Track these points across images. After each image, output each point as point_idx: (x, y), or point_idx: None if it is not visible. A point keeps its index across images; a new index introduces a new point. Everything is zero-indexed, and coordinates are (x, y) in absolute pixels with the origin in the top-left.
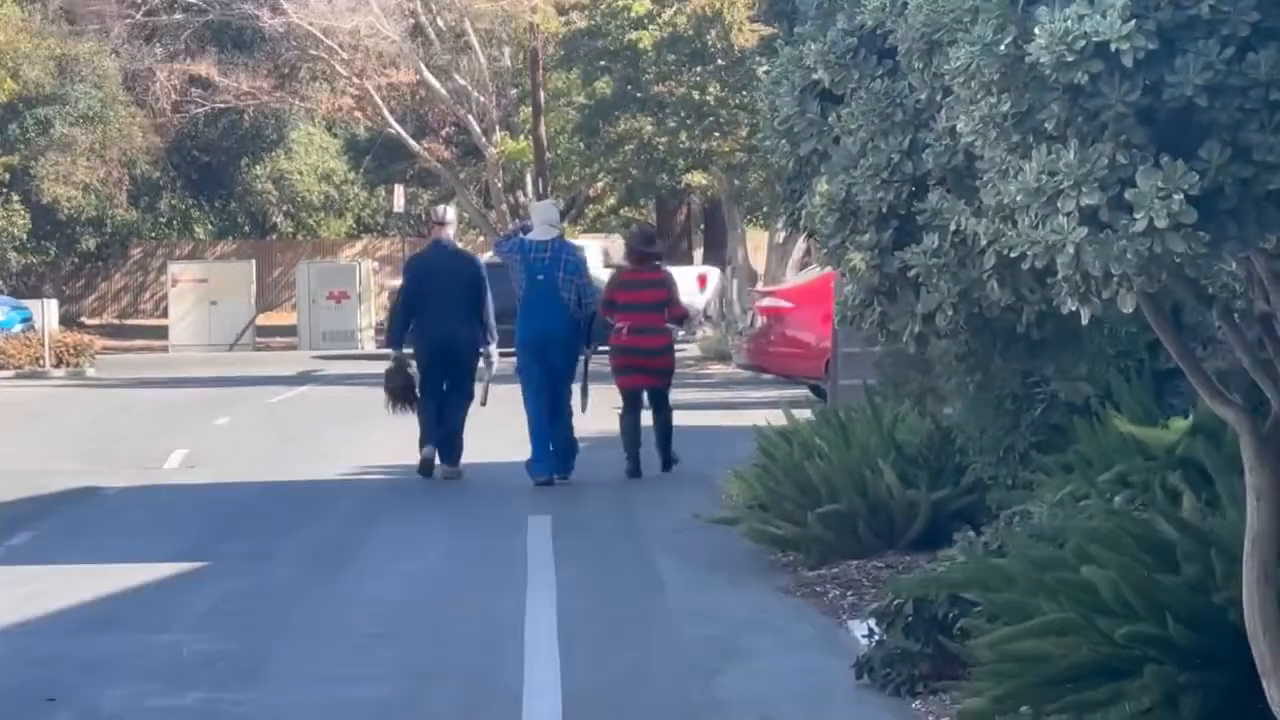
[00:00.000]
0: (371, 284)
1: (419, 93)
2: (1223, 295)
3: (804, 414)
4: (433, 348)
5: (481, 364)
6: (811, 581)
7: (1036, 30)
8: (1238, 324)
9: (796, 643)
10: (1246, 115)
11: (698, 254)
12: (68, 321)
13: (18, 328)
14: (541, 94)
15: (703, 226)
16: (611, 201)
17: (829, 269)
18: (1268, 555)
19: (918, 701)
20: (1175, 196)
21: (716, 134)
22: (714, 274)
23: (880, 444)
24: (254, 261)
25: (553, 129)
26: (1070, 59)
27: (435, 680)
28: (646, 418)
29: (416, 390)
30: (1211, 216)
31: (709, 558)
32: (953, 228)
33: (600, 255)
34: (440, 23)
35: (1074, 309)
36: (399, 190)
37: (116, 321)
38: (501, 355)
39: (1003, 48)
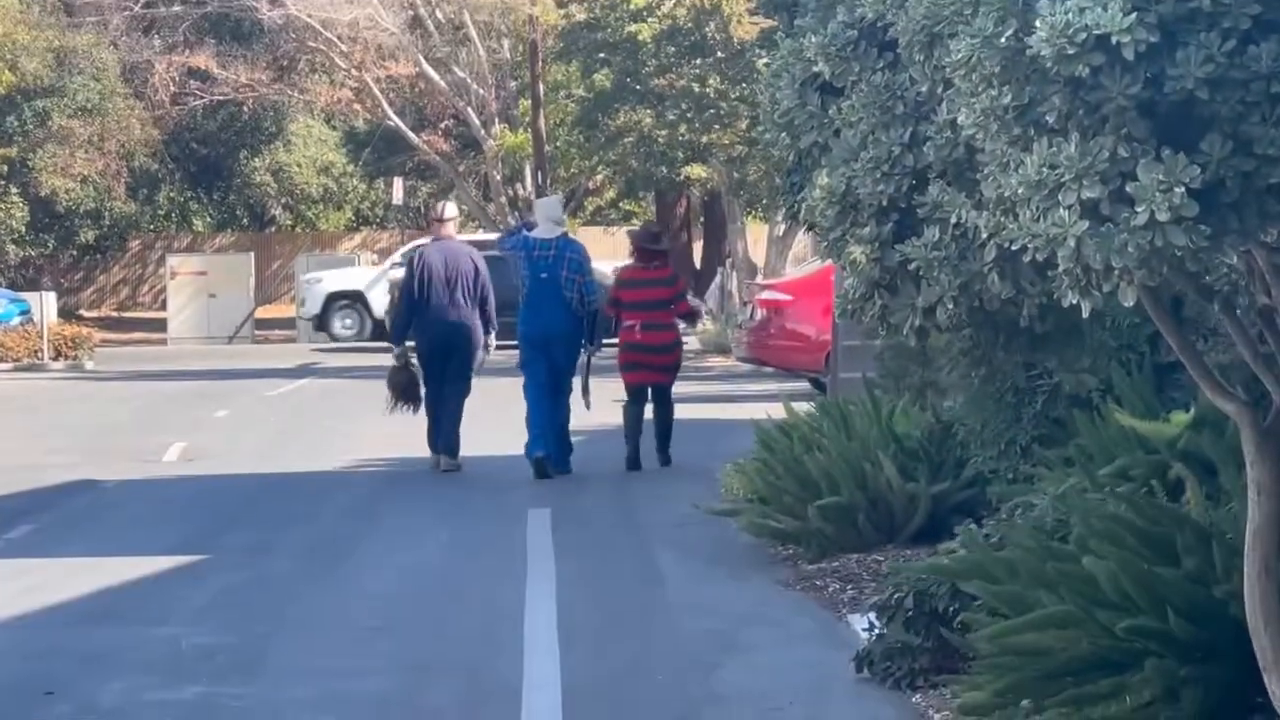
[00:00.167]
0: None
1: (418, 85)
2: (1224, 289)
3: (803, 407)
4: (435, 342)
5: (480, 354)
6: (811, 575)
7: (1037, 23)
8: (1239, 317)
9: (796, 636)
10: (1248, 108)
11: (697, 247)
12: (66, 314)
13: (16, 320)
14: (541, 86)
15: (702, 219)
16: (611, 194)
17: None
18: (1268, 549)
19: (918, 695)
20: (1176, 190)
21: (716, 127)
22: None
23: (880, 437)
24: (253, 254)
25: (552, 121)
26: (1071, 52)
27: (434, 673)
28: (648, 410)
29: (420, 388)
30: (1213, 210)
31: (709, 551)
32: (953, 221)
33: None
34: (439, 15)
35: (1075, 302)
36: (398, 183)
37: (115, 314)
38: (499, 348)
39: (1004, 40)
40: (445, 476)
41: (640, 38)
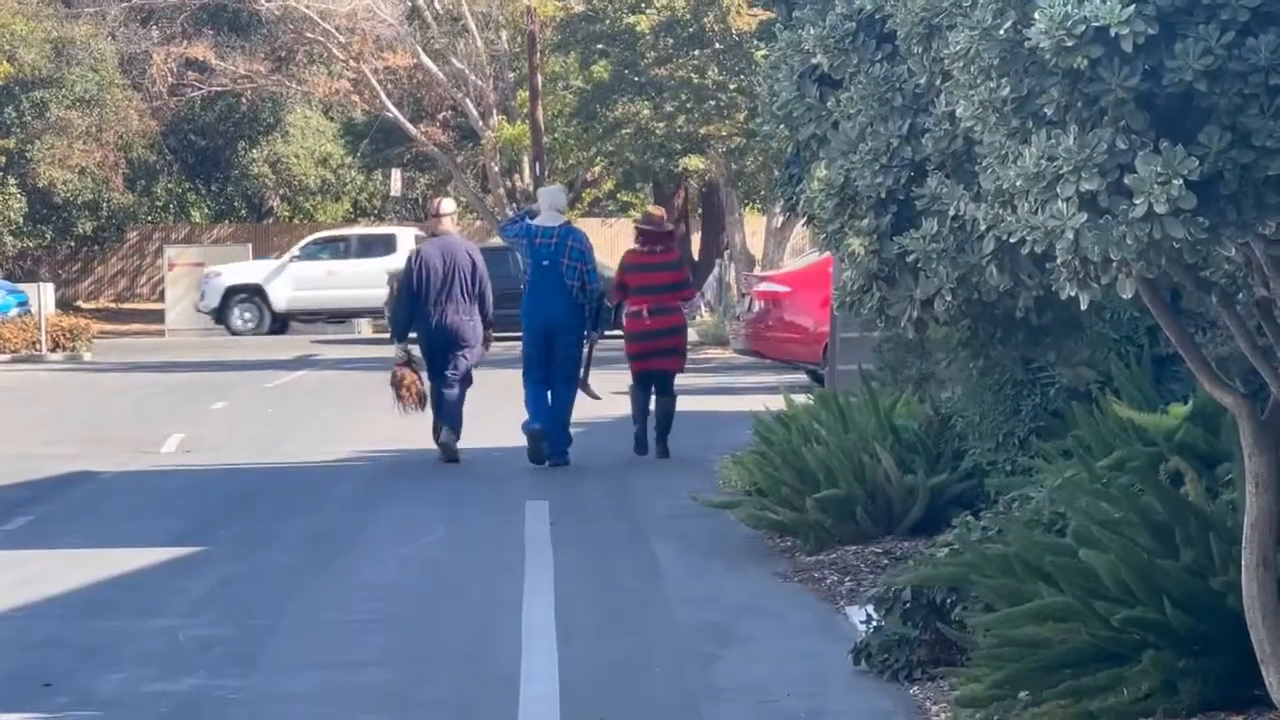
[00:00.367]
0: None
1: (416, 76)
2: (1222, 281)
3: (800, 399)
4: (435, 336)
5: (480, 349)
6: (809, 567)
7: (1036, 15)
8: (1237, 310)
9: (794, 628)
10: (1246, 100)
11: (695, 238)
12: (64, 305)
13: (14, 312)
14: (539, 78)
15: (700, 211)
16: (609, 185)
17: (826, 254)
18: (1266, 541)
19: (915, 687)
20: (1175, 182)
21: (715, 118)
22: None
23: (878, 429)
24: (250, 245)
25: (550, 113)
26: (1070, 44)
27: (433, 666)
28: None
29: (425, 386)
30: (1211, 202)
31: (707, 543)
32: (952, 213)
33: None
34: (437, 6)
35: (1073, 294)
36: (396, 174)
37: (113, 305)
38: (498, 339)
39: (1002, 32)
40: (443, 468)
41: (638, 29)
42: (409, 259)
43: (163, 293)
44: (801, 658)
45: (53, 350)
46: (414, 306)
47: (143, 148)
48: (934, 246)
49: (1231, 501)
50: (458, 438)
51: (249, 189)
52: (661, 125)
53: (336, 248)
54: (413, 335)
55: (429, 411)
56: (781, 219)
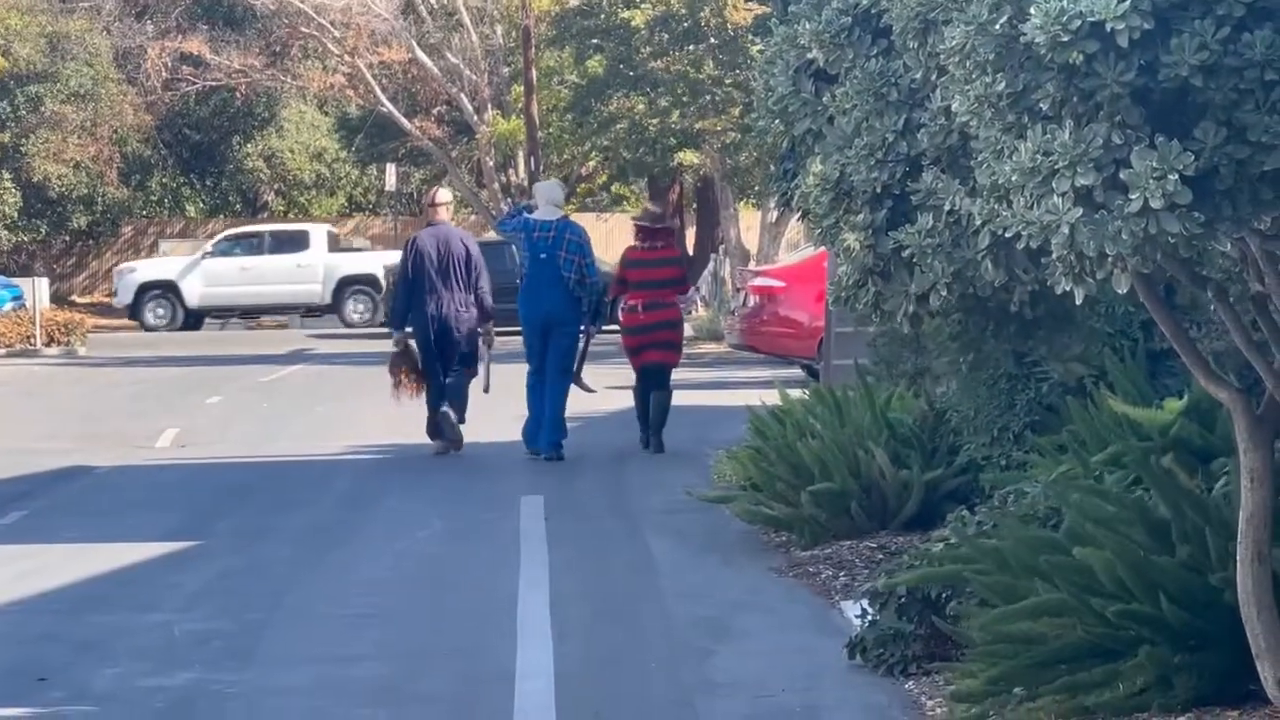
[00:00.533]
0: None
1: (411, 71)
2: (1217, 276)
3: (795, 394)
4: (431, 327)
5: (481, 345)
6: (804, 562)
7: (1032, 10)
8: (1232, 304)
9: (789, 623)
10: (1242, 95)
11: (690, 233)
12: (59, 300)
13: (8, 306)
14: (533, 72)
15: (695, 206)
16: (603, 179)
17: (821, 248)
18: (1261, 536)
19: (911, 682)
20: (1170, 177)
21: (710, 113)
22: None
23: (873, 424)
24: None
25: (545, 107)
26: (1065, 39)
27: (428, 660)
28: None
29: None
30: (1206, 197)
31: (702, 538)
32: (947, 208)
33: None
34: (432, 0)
35: (1068, 289)
36: (391, 169)
37: (107, 300)
38: (499, 333)
39: (998, 27)
40: (439, 462)
41: (633, 24)
42: (404, 248)
43: None
44: (796, 652)
45: (47, 345)
46: (410, 295)
47: (137, 142)
48: (929, 241)
49: (1227, 495)
50: (462, 420)
51: (244, 183)
52: (656, 120)
53: (250, 244)
54: (409, 329)
55: (424, 406)
56: (776, 214)
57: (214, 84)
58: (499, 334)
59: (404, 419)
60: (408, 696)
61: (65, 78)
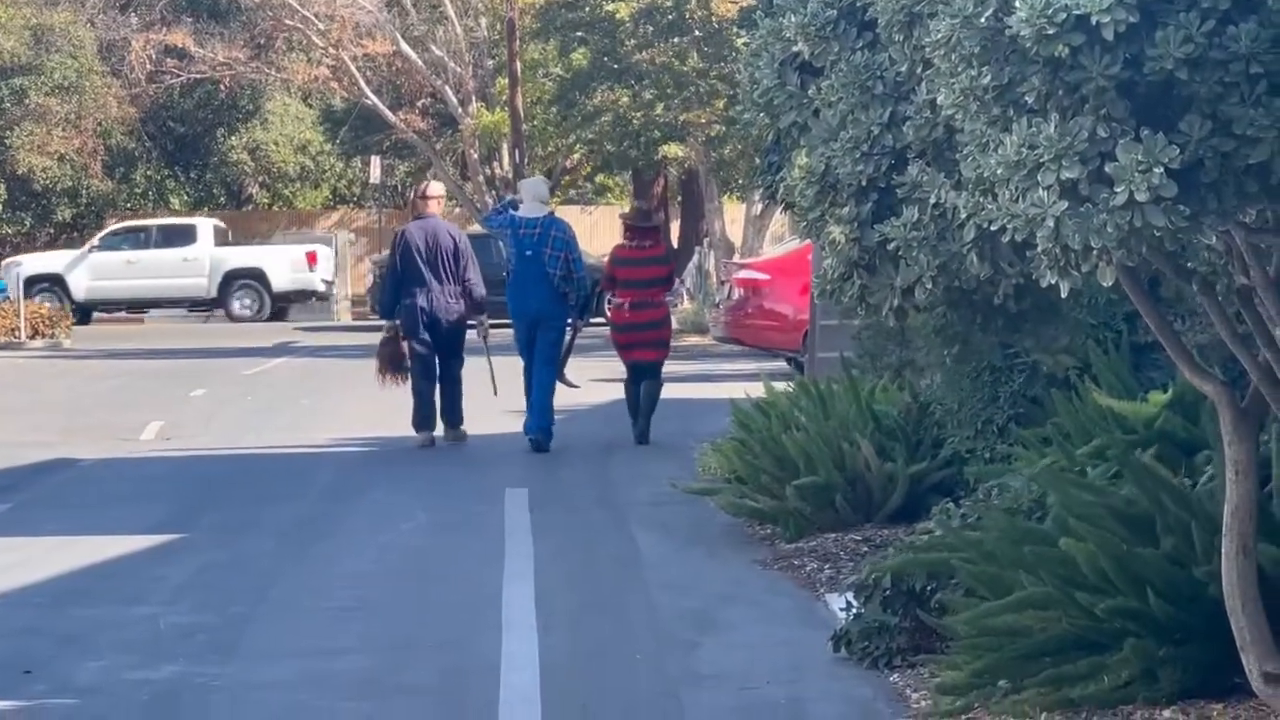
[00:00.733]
0: (348, 256)
1: (395, 63)
2: (1202, 269)
3: (779, 386)
4: (420, 320)
5: (477, 337)
6: (789, 554)
7: (1017, 3)
8: (1217, 297)
9: (774, 616)
10: (1227, 88)
11: (675, 226)
12: None
13: None
14: (518, 65)
15: (679, 199)
16: (588, 171)
17: (806, 241)
18: (1246, 529)
19: (895, 675)
20: (1155, 170)
21: (694, 105)
22: (324, 251)
23: (858, 417)
24: (229, 232)
25: (529, 100)
26: (1051, 32)
27: (413, 653)
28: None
29: (407, 361)
30: (1192, 190)
31: (686, 530)
32: (932, 201)
33: None
34: None
35: (1053, 282)
36: (375, 161)
37: None
38: (492, 326)
39: (983, 20)
40: (423, 455)
41: (618, 16)
42: (393, 240)
43: None
44: (781, 645)
45: (32, 337)
46: (400, 287)
47: (122, 135)
48: (915, 234)
49: (1211, 489)
50: (461, 432)
51: (228, 176)
52: (640, 113)
53: (137, 238)
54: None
55: (409, 399)
56: (761, 207)
57: (198, 76)
58: (490, 325)
59: (388, 412)
60: (392, 689)
61: (49, 70)
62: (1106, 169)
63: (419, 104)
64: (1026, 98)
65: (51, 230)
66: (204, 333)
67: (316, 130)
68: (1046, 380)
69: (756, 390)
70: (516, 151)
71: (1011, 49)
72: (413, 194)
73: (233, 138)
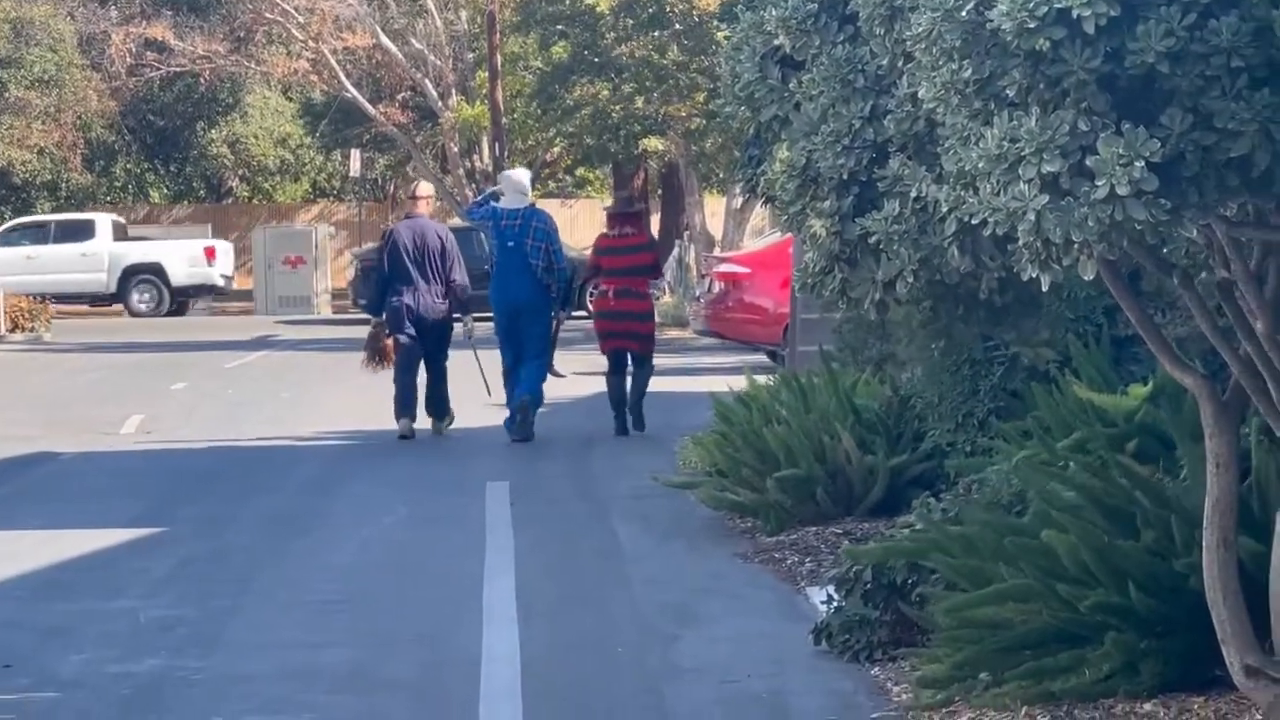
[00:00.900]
0: (328, 249)
1: (375, 56)
2: (1183, 262)
3: (761, 379)
4: (405, 318)
5: (461, 333)
6: (770, 548)
7: None
8: (1197, 291)
9: (755, 609)
10: (1208, 82)
11: (655, 219)
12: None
13: None
14: (498, 58)
15: (660, 192)
16: (568, 165)
17: (786, 235)
18: (1227, 522)
19: (876, 668)
20: (1136, 163)
21: (674, 99)
22: (223, 246)
23: (839, 410)
24: (209, 226)
25: (509, 93)
26: (1032, 25)
27: (394, 646)
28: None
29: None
30: (1173, 184)
31: (667, 524)
32: (914, 194)
33: None
34: None
35: (1034, 276)
36: (355, 155)
37: None
38: (475, 320)
39: (964, 14)
40: (404, 448)
41: (598, 9)
42: (383, 238)
43: None
44: (762, 638)
45: (12, 331)
46: (386, 284)
47: (101, 128)
48: (896, 228)
49: (1187, 483)
50: (445, 425)
51: (208, 169)
52: (619, 107)
53: (36, 233)
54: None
55: (390, 392)
56: (741, 200)
57: (178, 70)
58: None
59: (369, 405)
60: (374, 682)
61: (29, 64)
62: (1087, 162)
63: (399, 97)
64: (1008, 91)
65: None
66: (184, 326)
67: (296, 123)
68: (1027, 373)
69: (737, 383)
70: (496, 145)
71: (992, 43)
72: (404, 193)
73: (212, 131)
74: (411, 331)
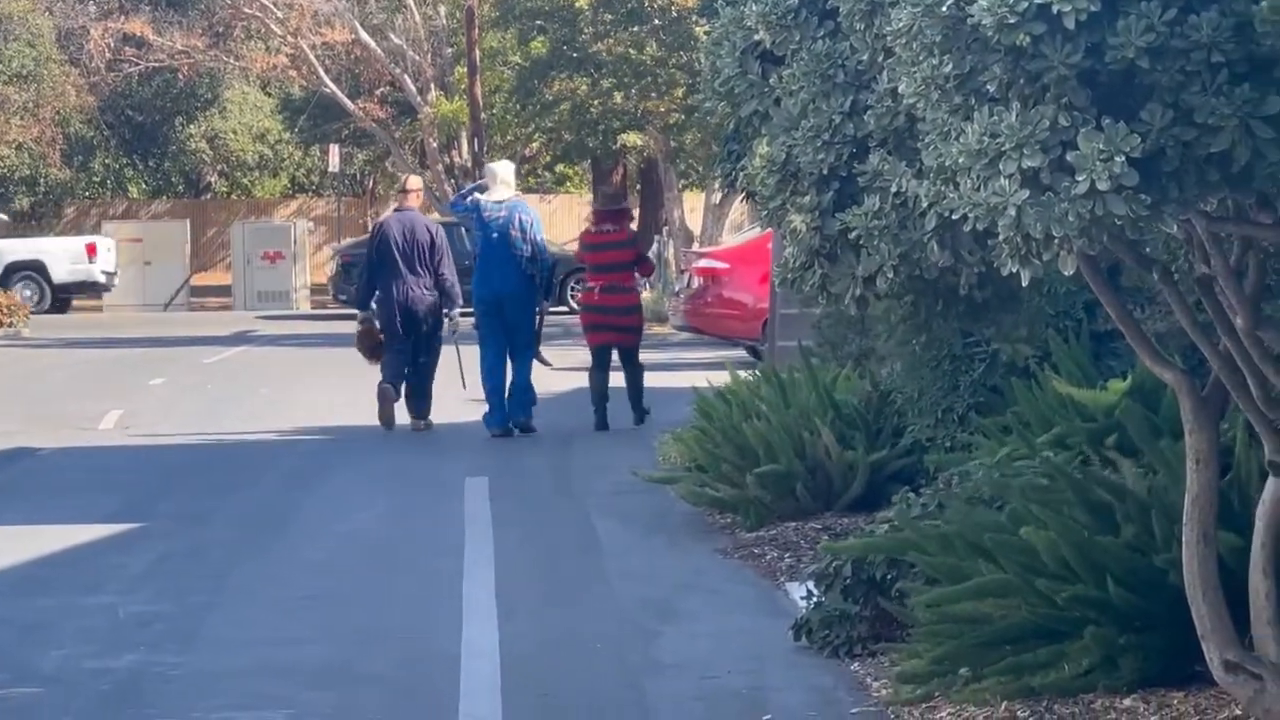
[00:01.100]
0: (307, 244)
1: (354, 52)
2: (1163, 258)
3: (741, 374)
4: (395, 312)
5: (446, 330)
6: (749, 543)
7: None
8: (1177, 286)
9: (735, 605)
10: (1188, 77)
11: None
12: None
13: None
14: (477, 53)
15: (639, 187)
16: (547, 160)
17: (765, 230)
18: (1207, 517)
19: (856, 663)
20: (1117, 159)
21: (653, 94)
22: (104, 243)
23: (819, 405)
24: (188, 221)
25: (488, 88)
26: (1012, 20)
27: (373, 642)
28: (615, 376)
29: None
30: (1153, 179)
31: (647, 519)
32: (894, 190)
33: None
34: None
35: (1014, 271)
36: (334, 150)
37: None
38: (461, 315)
39: (945, 9)
40: (383, 443)
41: (577, 5)
42: (371, 231)
43: None
44: (742, 634)
45: None
46: (375, 278)
47: (80, 123)
48: (876, 223)
49: (1163, 480)
50: (426, 423)
51: (186, 165)
52: (598, 102)
53: None
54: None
55: (369, 388)
56: (720, 195)
57: (157, 65)
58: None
59: (347, 402)
60: (353, 678)
61: (7, 59)
62: (1068, 157)
63: (378, 92)
64: (988, 86)
65: (9, 220)
66: (163, 321)
67: (275, 119)
68: (1006, 369)
69: (717, 379)
70: (475, 140)
71: (973, 38)
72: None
73: (191, 126)
74: (401, 323)
